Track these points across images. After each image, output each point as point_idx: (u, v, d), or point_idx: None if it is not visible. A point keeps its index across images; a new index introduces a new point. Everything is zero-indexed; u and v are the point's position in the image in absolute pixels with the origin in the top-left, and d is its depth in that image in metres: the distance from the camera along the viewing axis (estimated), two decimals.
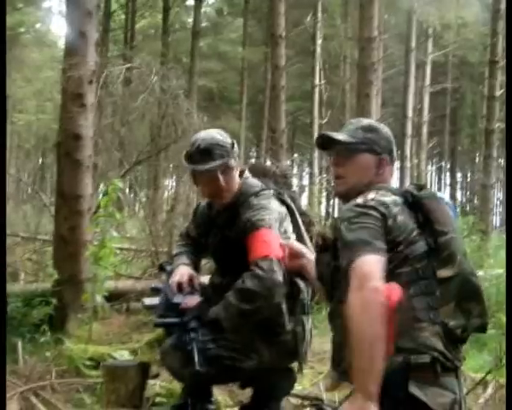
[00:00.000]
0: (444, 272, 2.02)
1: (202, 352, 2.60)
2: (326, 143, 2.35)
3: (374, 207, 2.05)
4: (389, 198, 2.11)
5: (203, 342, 2.65)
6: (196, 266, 3.14)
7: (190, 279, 2.94)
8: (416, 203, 2.11)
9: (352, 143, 2.26)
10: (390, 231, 2.03)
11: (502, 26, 13.78)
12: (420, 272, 2.03)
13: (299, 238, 2.95)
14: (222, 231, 2.94)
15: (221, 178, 2.89)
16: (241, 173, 3.02)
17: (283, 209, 2.89)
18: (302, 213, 3.12)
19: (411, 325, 1.97)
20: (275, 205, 2.85)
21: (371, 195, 2.12)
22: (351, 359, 1.87)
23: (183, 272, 2.97)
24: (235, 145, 2.97)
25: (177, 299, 2.80)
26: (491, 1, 14.24)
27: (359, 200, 2.10)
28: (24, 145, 35.33)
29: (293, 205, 3.02)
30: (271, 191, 2.93)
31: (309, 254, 2.63)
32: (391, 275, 1.97)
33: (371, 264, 1.91)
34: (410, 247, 2.05)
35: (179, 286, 2.88)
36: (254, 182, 2.99)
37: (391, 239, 2.03)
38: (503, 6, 13.71)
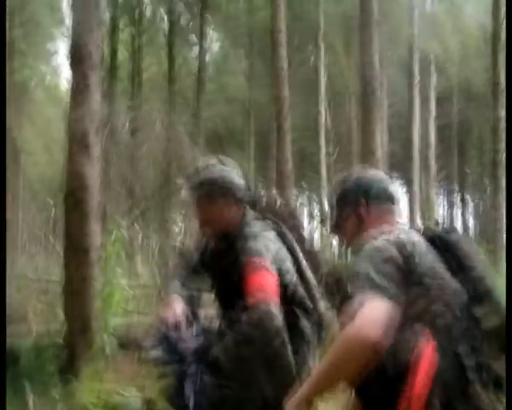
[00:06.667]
0: (489, 323, 1.79)
1: (203, 391, 2.59)
2: None
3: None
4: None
5: (204, 381, 2.63)
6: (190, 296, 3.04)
7: (183, 314, 2.85)
8: (447, 246, 1.92)
9: (337, 200, 2.35)
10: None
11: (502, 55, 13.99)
12: (464, 322, 1.79)
13: (302, 278, 2.93)
14: (219, 262, 2.92)
15: (223, 209, 2.86)
16: (244, 214, 2.95)
17: (279, 245, 2.86)
18: (309, 253, 3.05)
19: (465, 390, 1.74)
20: (270, 235, 2.84)
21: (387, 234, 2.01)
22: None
23: (175, 310, 2.88)
24: (240, 183, 2.93)
25: (180, 344, 2.80)
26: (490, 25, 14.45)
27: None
28: (36, 196, 35.57)
29: (294, 244, 2.99)
30: (269, 222, 2.92)
31: None
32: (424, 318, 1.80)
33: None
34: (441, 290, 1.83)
35: (176, 326, 2.82)
36: (254, 215, 2.96)
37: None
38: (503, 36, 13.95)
